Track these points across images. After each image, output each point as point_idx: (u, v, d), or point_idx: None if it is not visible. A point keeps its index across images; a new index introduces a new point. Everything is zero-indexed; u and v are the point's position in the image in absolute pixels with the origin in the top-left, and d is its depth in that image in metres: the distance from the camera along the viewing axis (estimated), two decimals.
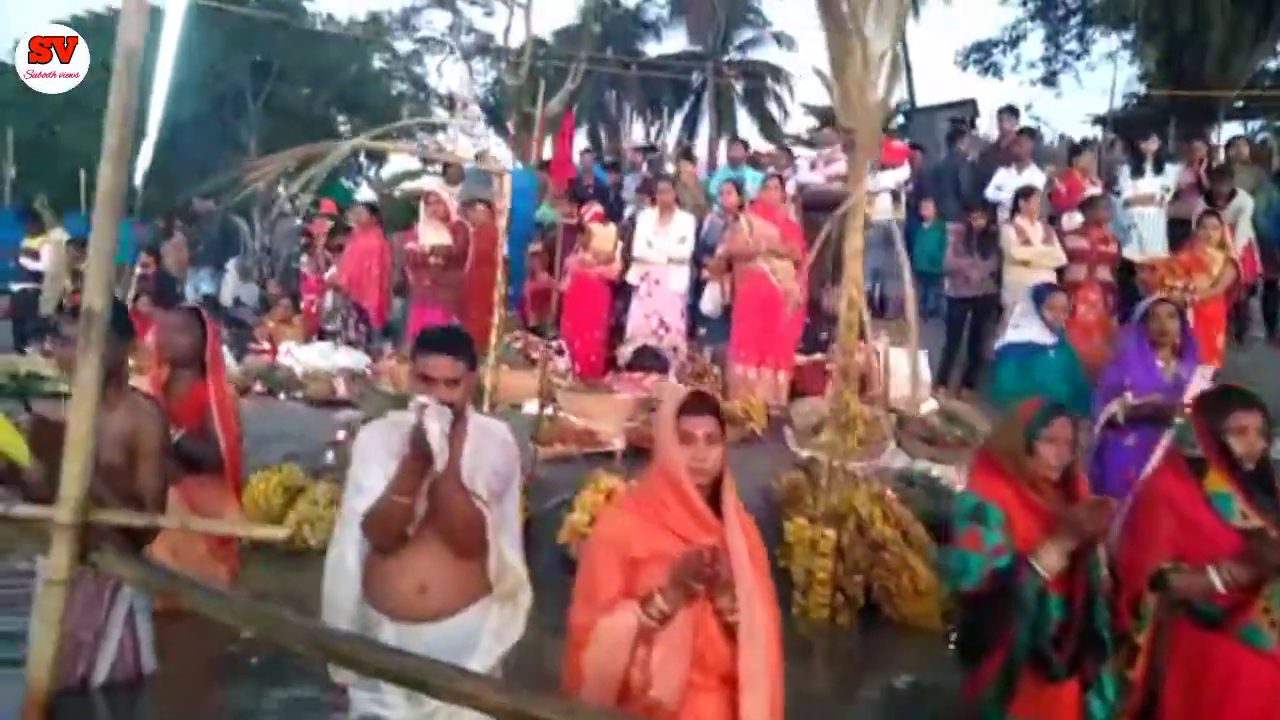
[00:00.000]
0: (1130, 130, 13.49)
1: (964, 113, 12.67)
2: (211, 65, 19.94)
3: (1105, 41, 20.40)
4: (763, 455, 5.73)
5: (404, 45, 26.38)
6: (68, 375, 2.74)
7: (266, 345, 7.95)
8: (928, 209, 8.78)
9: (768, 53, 27.91)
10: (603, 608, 2.21)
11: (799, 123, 26.99)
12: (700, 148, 23.57)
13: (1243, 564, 2.53)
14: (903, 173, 8.69)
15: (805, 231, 7.03)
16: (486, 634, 2.48)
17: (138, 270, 8.95)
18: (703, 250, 7.74)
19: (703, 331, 7.60)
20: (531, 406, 6.17)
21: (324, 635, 2.25)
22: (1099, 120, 19.77)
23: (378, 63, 26.45)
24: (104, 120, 2.02)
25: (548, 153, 9.88)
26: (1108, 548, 2.73)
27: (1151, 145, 7.84)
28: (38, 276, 9.58)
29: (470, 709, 2.01)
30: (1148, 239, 7.46)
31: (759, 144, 11.71)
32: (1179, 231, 7.44)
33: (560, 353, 7.06)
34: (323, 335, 8.46)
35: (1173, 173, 7.82)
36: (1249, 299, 7.91)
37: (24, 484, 2.45)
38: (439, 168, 10.82)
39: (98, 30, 20.56)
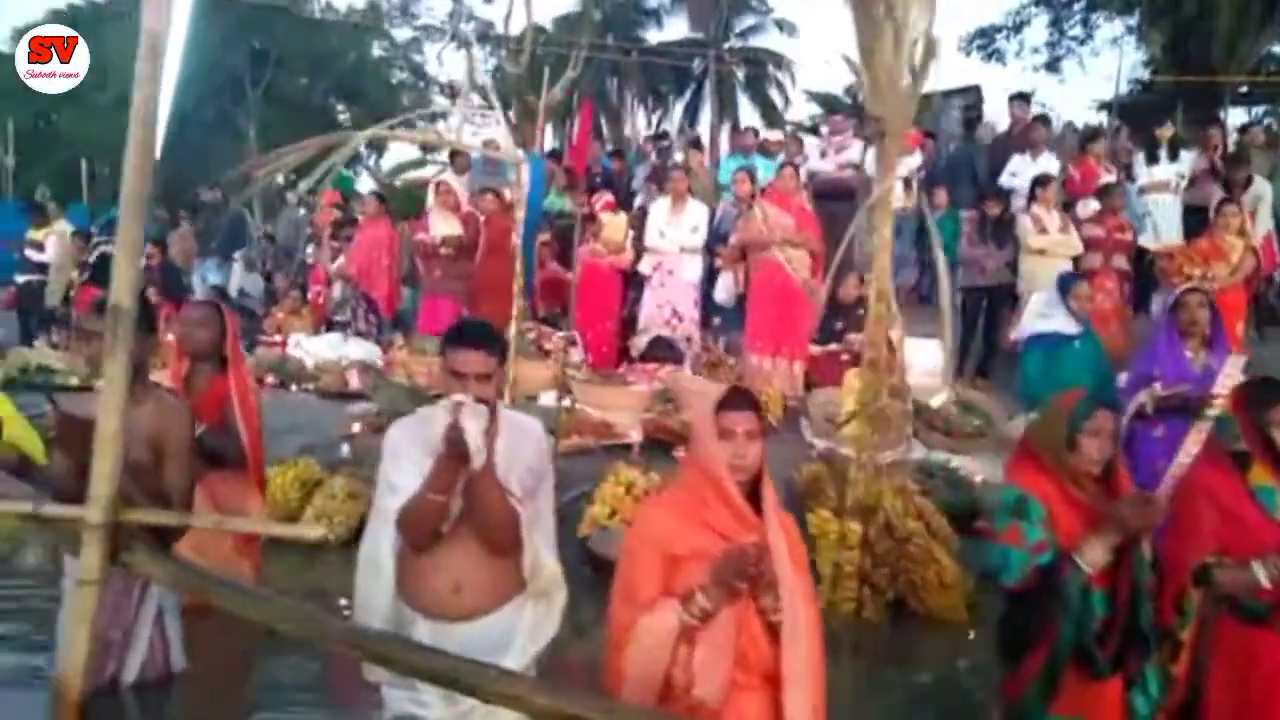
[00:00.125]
0: (1135, 117, 13.42)
1: (969, 99, 12.58)
2: (211, 53, 19.82)
3: (1109, 27, 20.30)
4: (779, 447, 5.66)
5: (403, 33, 26.23)
6: (93, 372, 2.70)
7: (277, 337, 7.89)
8: (940, 197, 8.71)
9: (769, 39, 27.84)
10: (643, 606, 2.18)
11: (801, 109, 26.92)
12: (702, 135, 23.46)
13: None
14: (914, 160, 8.62)
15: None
16: (521, 632, 2.46)
17: (141, 261, 8.89)
18: (715, 239, 7.68)
19: (717, 321, 7.55)
20: (546, 398, 6.13)
21: (362, 634, 2.22)
22: (1104, 106, 19.70)
23: (377, 51, 26.30)
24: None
25: (550, 142, 9.81)
26: (1148, 542, 2.70)
27: (1166, 132, 7.77)
28: (43, 268, 9.56)
29: (511, 710, 1.99)
30: (1162, 226, 7.41)
31: (765, 132, 11.59)
32: (1193, 218, 7.39)
33: (573, 343, 7.01)
34: (331, 326, 8.41)
35: (1187, 159, 7.76)
36: (1267, 290, 7.83)
37: (51, 482, 2.41)
38: (437, 156, 10.72)
39: (96, 21, 20.49)
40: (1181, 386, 3.97)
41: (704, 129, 25.43)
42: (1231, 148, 8.59)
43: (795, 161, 7.92)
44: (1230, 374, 3.89)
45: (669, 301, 7.39)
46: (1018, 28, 20.99)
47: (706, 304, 7.67)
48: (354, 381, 6.70)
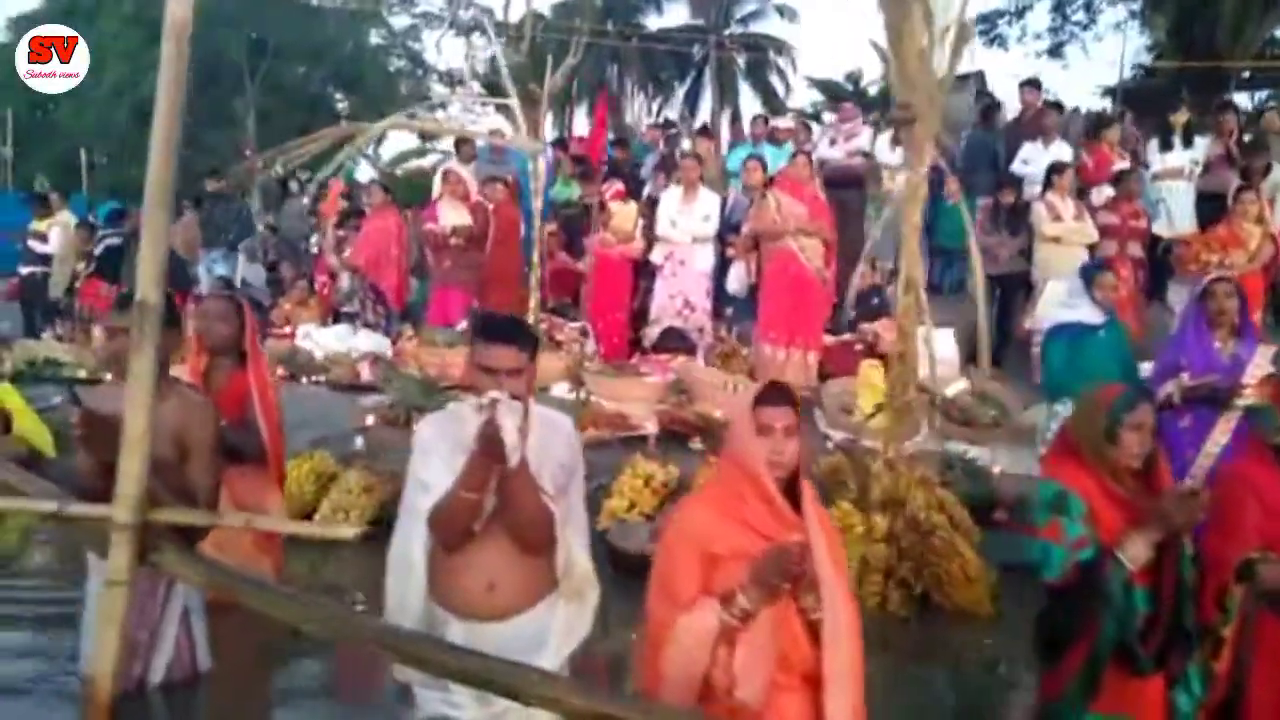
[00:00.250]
0: (1140, 102, 13.33)
1: (976, 85, 12.49)
2: (208, 41, 19.68)
3: (1113, 11, 20.20)
4: None
5: (401, 21, 26.03)
6: (118, 369, 2.65)
7: (286, 329, 7.83)
8: (952, 184, 8.64)
9: (770, 25, 27.74)
10: (682, 606, 2.15)
11: (803, 96, 26.81)
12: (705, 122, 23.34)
13: None
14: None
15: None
16: (555, 632, 2.43)
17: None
18: (727, 228, 7.61)
19: (729, 311, 7.48)
20: (558, 390, 6.09)
21: (394, 634, 2.18)
22: (1109, 92, 19.61)
23: (375, 39, 26.10)
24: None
25: (550, 131, 9.72)
26: (1189, 537, 2.65)
27: (1180, 118, 7.69)
28: (46, 259, 9.50)
29: (547, 711, 1.95)
30: (1176, 214, 7.34)
31: (774, 119, 11.50)
32: (1208, 205, 7.31)
33: (585, 334, 6.96)
34: (338, 317, 8.35)
35: (1201, 145, 7.68)
36: None
37: (74, 480, 2.36)
38: (438, 145, 10.60)
39: (92, 10, 20.31)
40: (1210, 376, 3.92)
41: (705, 116, 25.33)
42: (1247, 133, 8.49)
43: (806, 149, 7.84)
44: (1260, 364, 3.84)
45: (681, 291, 7.32)
46: (1020, 13, 20.86)
47: (719, 294, 7.61)
48: (365, 374, 6.65)
